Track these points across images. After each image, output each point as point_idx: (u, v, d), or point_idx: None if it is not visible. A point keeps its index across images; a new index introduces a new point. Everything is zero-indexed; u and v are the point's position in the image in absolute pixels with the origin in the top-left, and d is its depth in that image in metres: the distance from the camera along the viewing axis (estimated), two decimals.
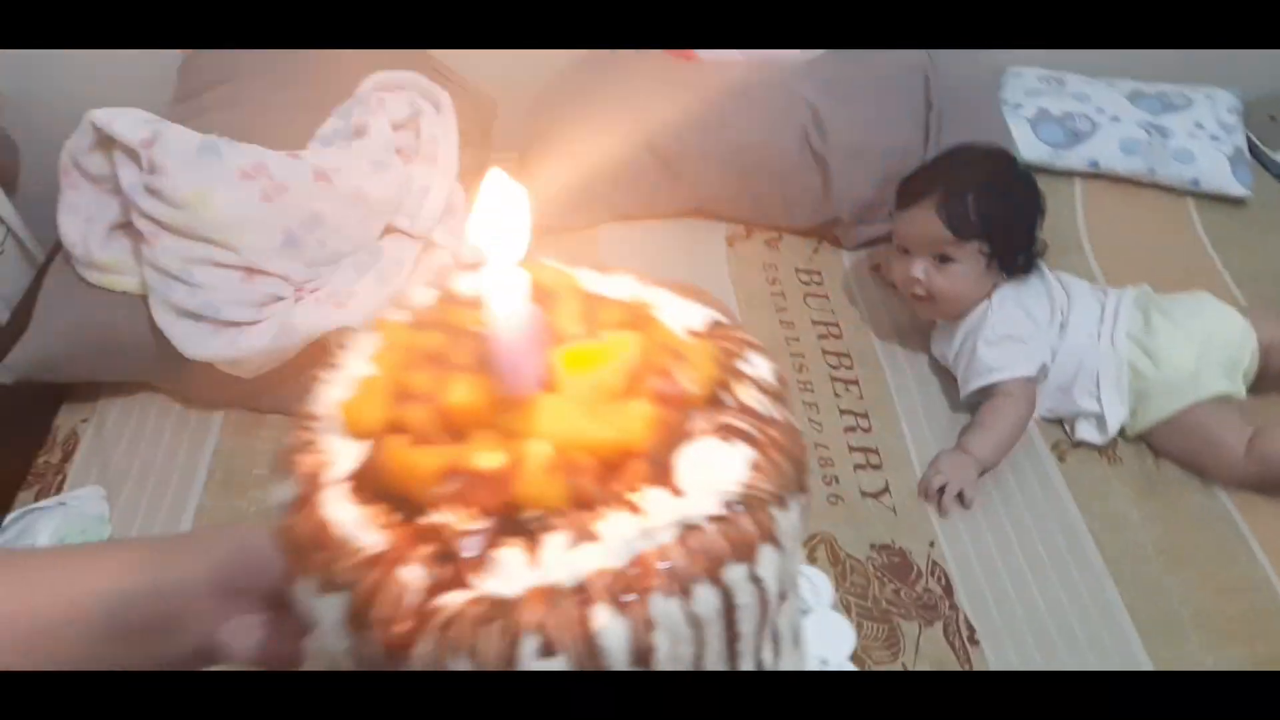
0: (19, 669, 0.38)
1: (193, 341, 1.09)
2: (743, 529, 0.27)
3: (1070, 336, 1.19)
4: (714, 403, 0.30)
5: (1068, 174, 1.54)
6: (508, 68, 1.58)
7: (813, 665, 0.38)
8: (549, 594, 0.25)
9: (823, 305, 1.37)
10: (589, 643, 0.25)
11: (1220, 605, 1.04)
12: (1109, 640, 1.02)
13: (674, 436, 0.28)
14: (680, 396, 0.29)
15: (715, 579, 0.26)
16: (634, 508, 0.27)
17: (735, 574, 0.27)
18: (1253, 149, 1.57)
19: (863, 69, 1.48)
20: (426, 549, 0.27)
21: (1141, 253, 1.43)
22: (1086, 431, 1.19)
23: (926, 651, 1.00)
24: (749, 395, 0.31)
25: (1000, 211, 1.18)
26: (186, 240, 1.09)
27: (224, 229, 1.09)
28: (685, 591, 0.26)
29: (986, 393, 1.18)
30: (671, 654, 0.26)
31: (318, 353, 1.16)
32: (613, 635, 0.25)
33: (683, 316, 0.33)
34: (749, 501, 0.28)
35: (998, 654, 1.00)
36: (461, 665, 0.25)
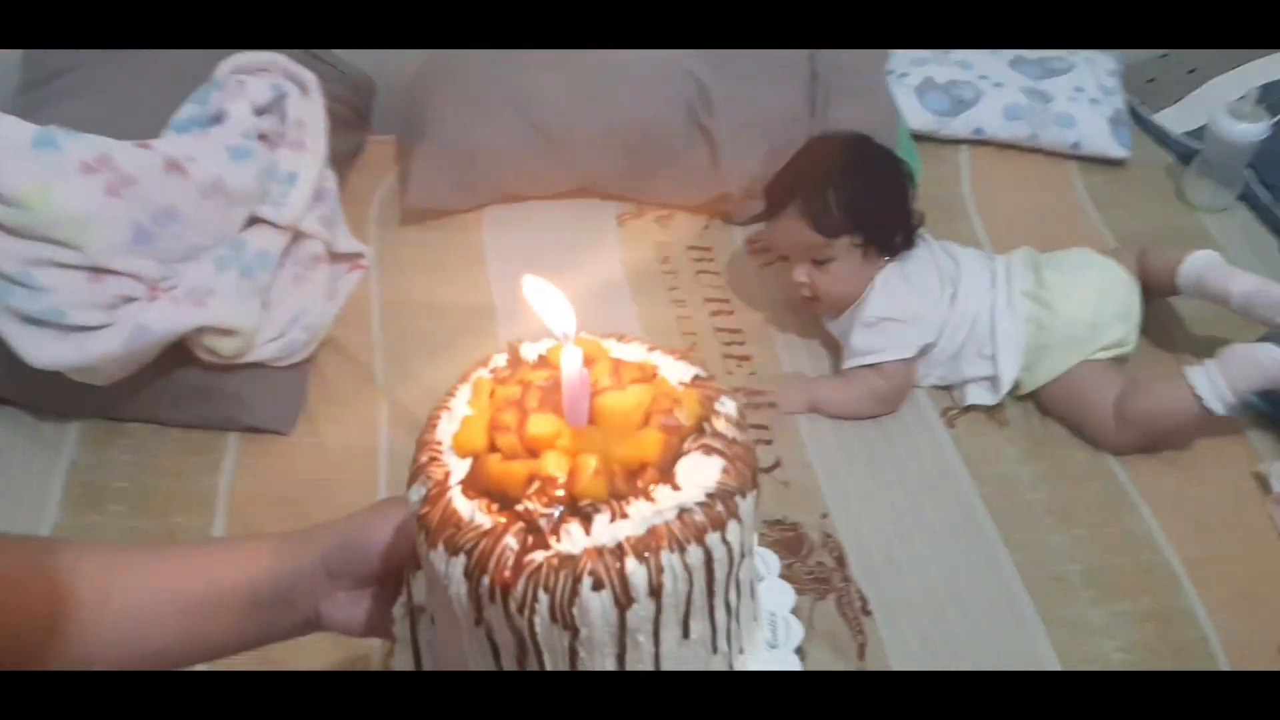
0: (182, 642, 0.53)
1: (37, 349, 1.02)
2: (717, 511, 0.43)
3: (961, 304, 1.19)
4: (699, 431, 0.46)
5: (953, 141, 1.55)
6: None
7: (764, 616, 0.52)
8: (598, 551, 0.41)
9: (714, 282, 1.35)
10: (623, 580, 0.41)
11: (1108, 561, 1.05)
12: (1000, 602, 1.02)
13: (674, 453, 0.44)
14: (678, 427, 0.45)
15: (700, 542, 0.42)
16: (649, 498, 0.43)
17: (713, 539, 0.43)
18: (1132, 112, 1.60)
19: None
20: (518, 526, 0.42)
21: (1026, 217, 1.44)
22: (977, 395, 1.19)
23: (821, 624, 0.99)
24: (721, 425, 0.47)
25: (863, 199, 1.16)
26: (24, 240, 1.01)
27: (65, 226, 1.02)
28: (682, 549, 0.42)
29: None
30: (673, 590, 0.42)
31: (181, 355, 1.09)
32: (637, 576, 0.41)
33: (677, 373, 0.50)
34: (721, 493, 0.44)
35: (891, 625, 0.99)
36: (543, 600, 0.41)
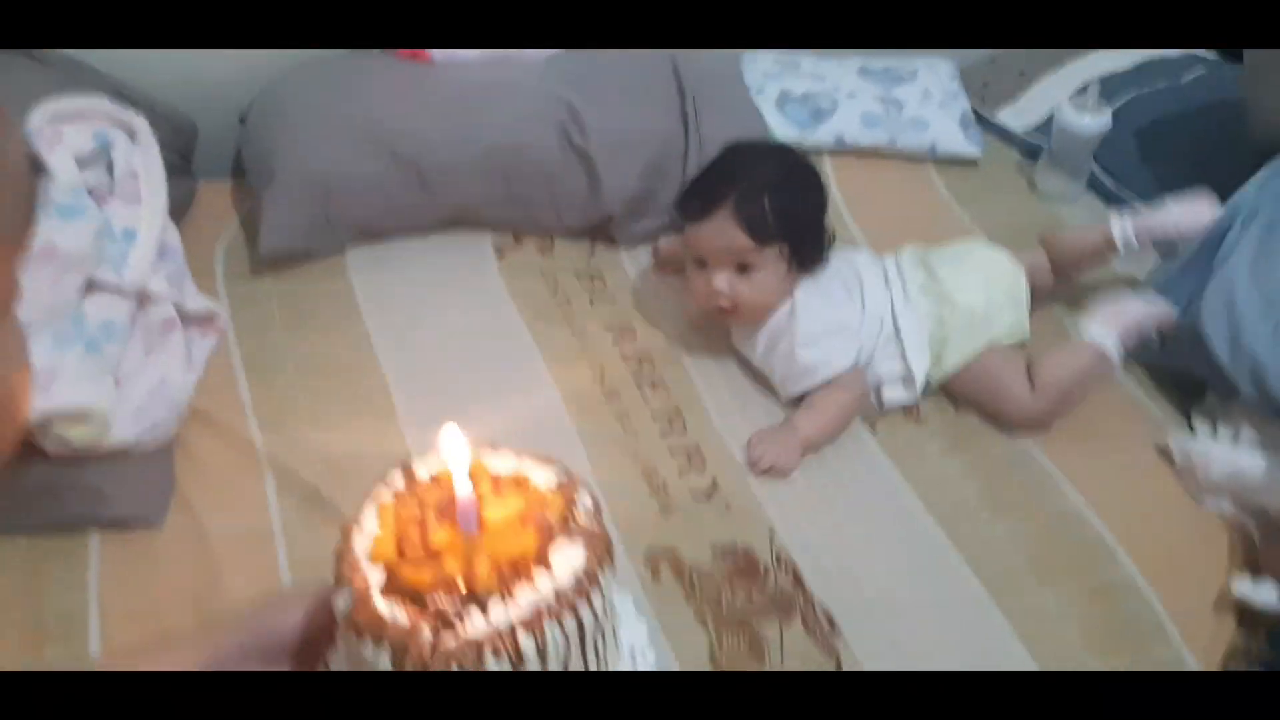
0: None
1: None
2: (583, 585, 0.52)
3: (868, 309, 1.18)
4: (565, 525, 0.55)
5: (816, 151, 1.55)
6: (203, 84, 1.39)
7: (625, 651, 0.60)
8: (496, 634, 0.50)
9: (611, 308, 1.29)
10: (517, 649, 0.49)
11: (1047, 545, 1.06)
12: (960, 600, 1.00)
13: (547, 546, 0.53)
14: (549, 526, 0.54)
15: (573, 612, 0.51)
16: (532, 583, 0.52)
17: (582, 608, 0.51)
18: (975, 114, 1.67)
19: (609, 61, 1.42)
20: (429, 619, 0.50)
21: (896, 218, 1.47)
22: (894, 394, 1.19)
23: (792, 648, 0.94)
24: (581, 517, 0.56)
25: (796, 210, 1.14)
26: None
27: None
28: (559, 619, 0.50)
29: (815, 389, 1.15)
30: (555, 651, 0.50)
31: (25, 450, 0.92)
32: (527, 645, 0.49)
33: (544, 478, 0.57)
34: (586, 572, 0.52)
35: (859, 637, 0.96)
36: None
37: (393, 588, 0.52)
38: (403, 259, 1.32)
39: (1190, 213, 1.24)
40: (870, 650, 0.95)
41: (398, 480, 0.58)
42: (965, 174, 1.58)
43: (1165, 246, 1.28)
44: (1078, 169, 1.51)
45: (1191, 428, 1.18)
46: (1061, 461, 1.14)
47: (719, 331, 1.24)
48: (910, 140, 1.56)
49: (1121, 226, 1.26)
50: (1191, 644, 0.99)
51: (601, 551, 0.55)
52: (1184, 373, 1.23)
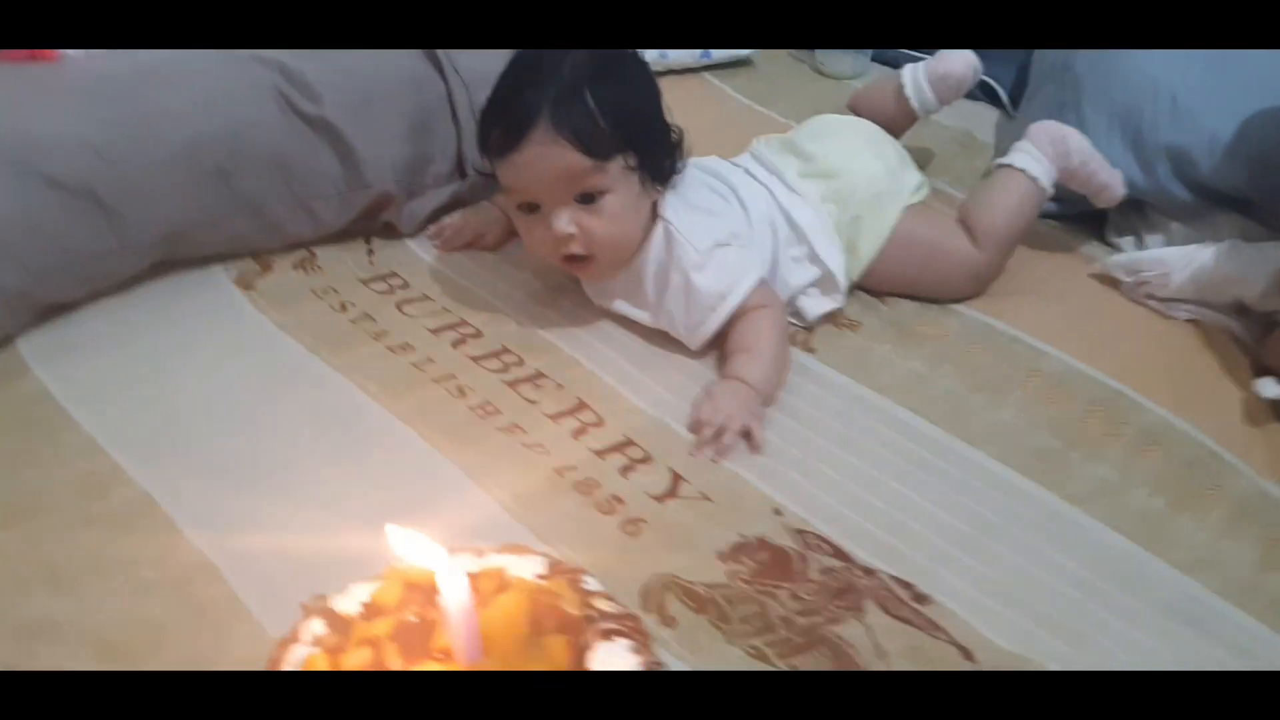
0: None
1: None
2: None
3: (752, 212, 0.94)
4: (589, 616, 0.47)
5: None
6: None
7: None
8: None
9: (430, 309, 0.95)
10: None
11: (1062, 412, 0.88)
12: (1017, 503, 0.79)
13: (583, 651, 0.45)
14: (574, 621, 0.46)
15: None
16: None
17: None
18: None
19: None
20: None
21: (708, 131, 1.22)
22: (815, 304, 0.96)
23: (889, 645, 0.67)
24: (600, 603, 0.48)
25: (630, 104, 0.86)
26: None
27: None
28: None
29: (730, 323, 0.88)
30: None
31: None
32: None
33: (528, 568, 0.50)
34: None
35: (943, 591, 0.71)
36: None
37: None
38: (106, 332, 0.89)
39: (955, 56, 1.13)
40: (965, 599, 0.70)
41: (313, 627, 0.47)
42: (748, 76, 1.42)
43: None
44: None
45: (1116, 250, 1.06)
46: (1019, 322, 0.97)
47: (578, 294, 0.95)
48: (681, 52, 1.36)
49: (911, 70, 1.13)
50: (1251, 462, 0.84)
51: (646, 639, 0.47)
52: (1080, 212, 1.11)
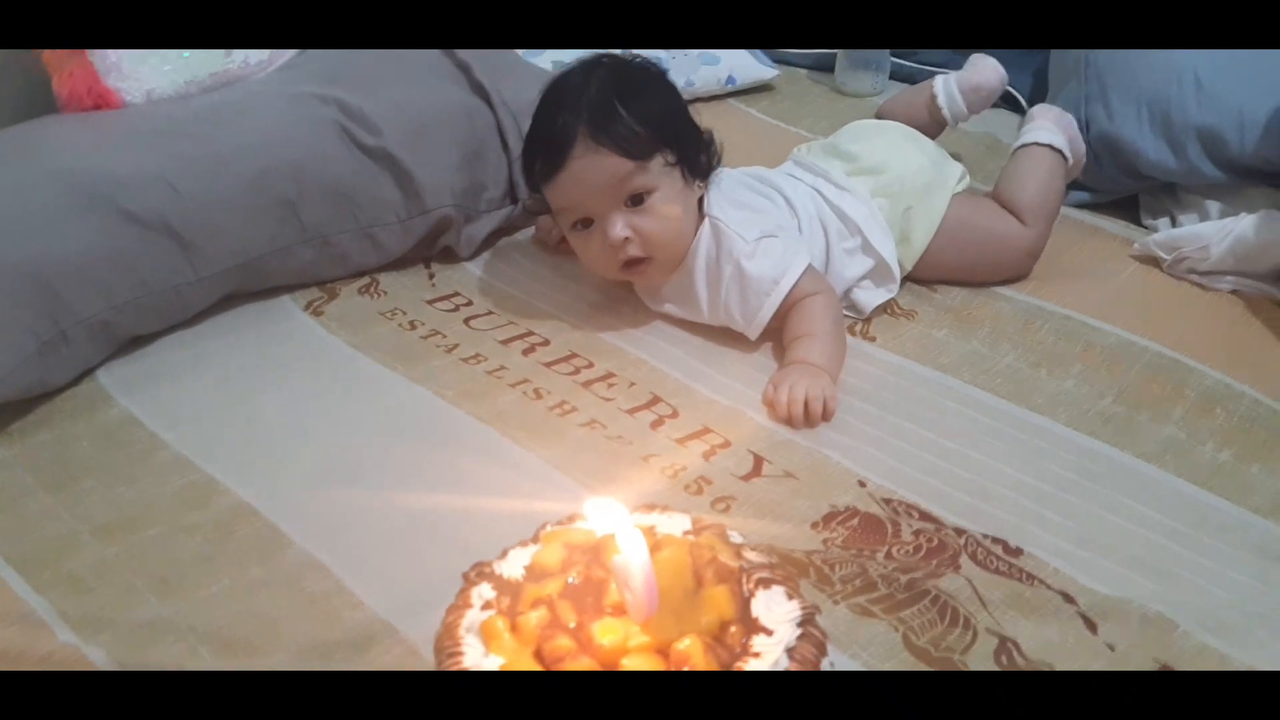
0: None
1: None
2: (815, 635, 0.47)
3: (799, 210, 0.97)
4: (743, 567, 0.50)
5: None
6: None
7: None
8: None
9: (496, 322, 0.98)
10: None
11: (1122, 380, 0.89)
12: (1094, 465, 0.80)
13: (743, 599, 0.48)
14: (733, 572, 0.49)
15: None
16: (753, 653, 0.45)
17: (825, 664, 0.47)
18: None
19: (356, 51, 1.12)
20: None
21: (738, 152, 1.27)
22: (872, 297, 0.98)
23: (990, 595, 0.68)
24: (749, 554, 0.50)
25: (658, 107, 0.91)
26: None
27: None
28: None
29: (784, 312, 0.90)
30: None
31: None
32: None
33: (676, 525, 0.53)
34: (806, 619, 0.47)
35: (1042, 547, 0.72)
36: None
37: None
38: (183, 360, 0.92)
39: (987, 68, 1.17)
40: (1057, 550, 0.72)
41: (481, 592, 0.49)
42: (771, 99, 1.46)
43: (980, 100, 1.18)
44: (880, 62, 1.45)
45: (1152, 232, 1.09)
46: (1069, 302, 0.99)
47: (635, 298, 0.98)
48: (706, 78, 1.41)
49: (944, 81, 1.16)
50: None
51: (797, 585, 0.50)
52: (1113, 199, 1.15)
